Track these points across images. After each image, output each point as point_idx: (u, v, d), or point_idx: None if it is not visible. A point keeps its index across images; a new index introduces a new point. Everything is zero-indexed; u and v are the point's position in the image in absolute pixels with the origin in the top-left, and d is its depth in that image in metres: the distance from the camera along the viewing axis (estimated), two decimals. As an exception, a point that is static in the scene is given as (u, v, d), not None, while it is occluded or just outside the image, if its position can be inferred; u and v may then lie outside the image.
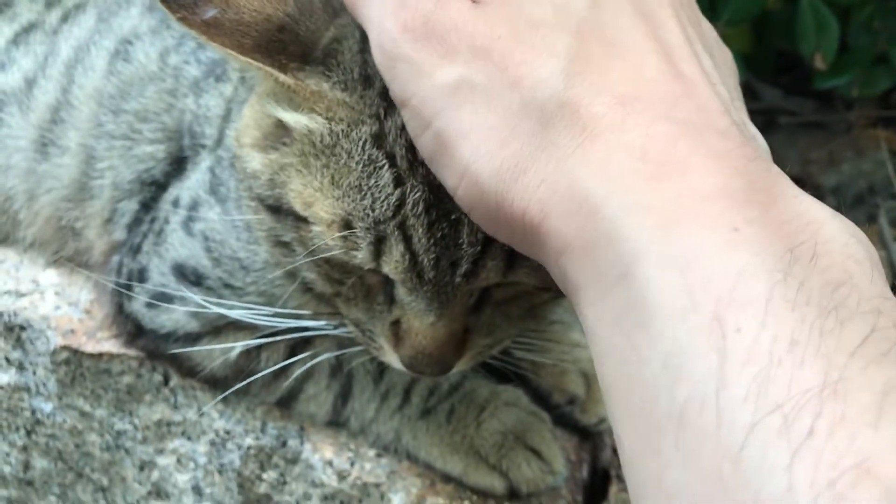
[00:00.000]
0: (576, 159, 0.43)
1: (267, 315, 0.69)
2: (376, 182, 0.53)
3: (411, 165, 0.52)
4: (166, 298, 0.77)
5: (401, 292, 0.57)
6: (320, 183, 0.54)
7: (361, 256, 0.54)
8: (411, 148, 0.52)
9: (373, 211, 0.53)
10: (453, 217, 0.53)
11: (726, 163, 0.41)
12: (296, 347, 0.76)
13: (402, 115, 0.50)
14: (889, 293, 0.38)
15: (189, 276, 0.75)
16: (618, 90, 0.44)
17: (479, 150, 0.46)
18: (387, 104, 0.53)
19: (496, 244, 0.52)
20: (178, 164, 0.80)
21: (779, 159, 1.29)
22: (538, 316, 0.64)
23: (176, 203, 0.78)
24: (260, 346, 0.76)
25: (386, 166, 0.53)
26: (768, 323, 0.36)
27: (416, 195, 0.52)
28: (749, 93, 1.34)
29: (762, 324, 0.36)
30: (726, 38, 1.17)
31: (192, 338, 0.77)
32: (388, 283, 0.58)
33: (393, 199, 0.53)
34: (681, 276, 0.38)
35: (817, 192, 1.24)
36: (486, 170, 0.46)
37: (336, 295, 0.61)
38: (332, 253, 0.55)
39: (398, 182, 0.53)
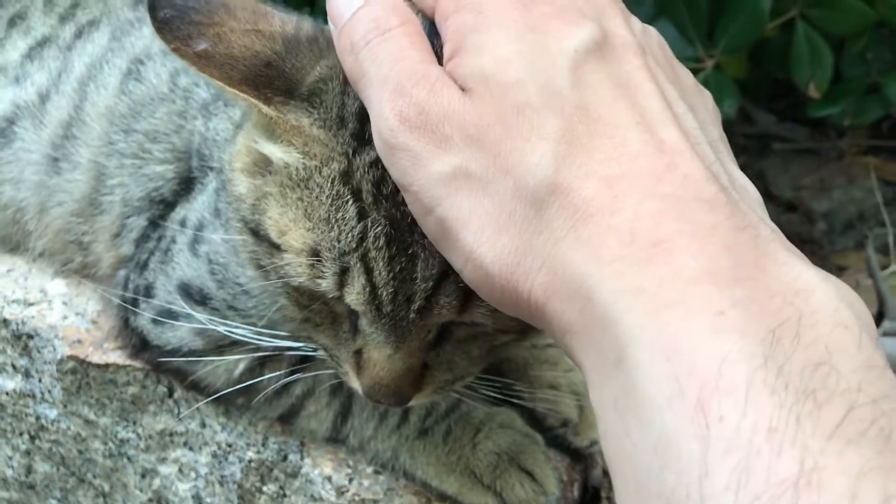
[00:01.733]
0: (570, 242, 0.45)
1: (267, 337, 0.71)
2: (342, 215, 0.55)
3: (375, 200, 0.55)
4: (172, 316, 0.79)
5: (363, 323, 0.59)
6: (294, 214, 0.57)
7: (326, 285, 0.56)
8: (377, 184, 0.54)
9: (339, 242, 0.55)
10: (410, 252, 0.55)
11: (713, 238, 0.43)
12: (298, 366, 0.78)
13: (405, 198, 0.52)
14: (877, 358, 0.39)
15: (195, 295, 0.78)
16: (604, 171, 0.46)
17: (480, 237, 0.48)
18: (357, 144, 0.55)
19: (450, 282, 0.54)
20: (186, 184, 0.82)
21: (772, 184, 1.30)
22: (501, 356, 0.66)
23: (183, 223, 0.80)
24: (263, 364, 0.78)
25: (351, 201, 0.55)
26: (748, 411, 0.37)
27: (378, 229, 0.54)
28: (744, 117, 1.37)
29: (743, 412, 0.37)
30: (723, 65, 1.19)
31: (197, 355, 0.79)
32: (353, 312, 0.60)
33: (356, 231, 0.55)
34: (668, 363, 0.40)
35: (809, 217, 1.27)
36: (488, 255, 0.48)
37: (306, 321, 0.63)
38: (300, 280, 0.57)
39: (361, 215, 0.55)
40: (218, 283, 0.76)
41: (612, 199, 0.45)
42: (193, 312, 0.75)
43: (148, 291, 0.81)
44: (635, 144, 0.47)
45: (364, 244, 0.55)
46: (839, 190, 1.28)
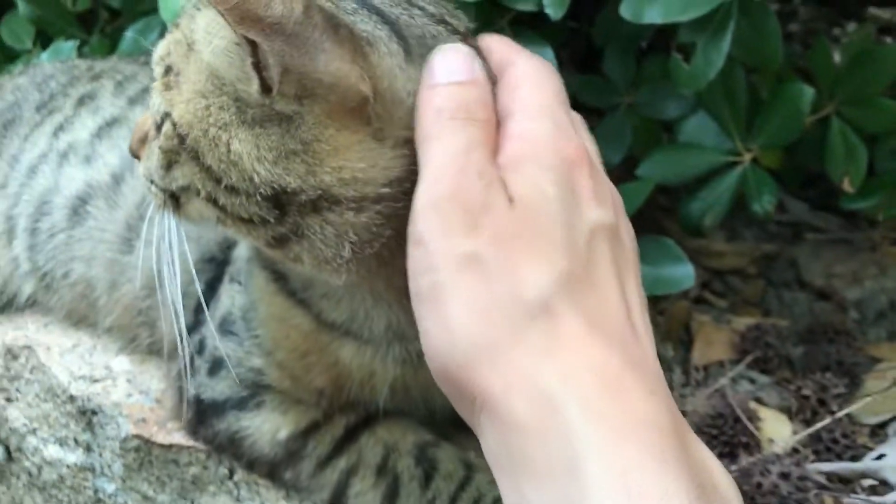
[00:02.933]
0: (546, 359, 0.54)
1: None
2: None
3: None
4: (219, 364, 0.84)
5: None
6: None
7: None
8: None
9: None
10: None
11: (659, 404, 0.54)
12: (342, 440, 0.81)
13: (414, 250, 0.59)
14: None
15: (227, 326, 0.82)
16: (589, 315, 0.56)
17: (467, 315, 0.55)
18: None
19: None
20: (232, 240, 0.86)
21: (804, 271, 1.33)
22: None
23: (231, 262, 0.85)
24: (307, 434, 0.82)
25: None
26: None
27: None
28: (778, 205, 1.40)
29: None
30: (758, 157, 1.22)
31: (242, 402, 0.83)
32: None
33: None
34: (620, 481, 0.49)
35: (841, 306, 1.30)
36: (465, 333, 0.55)
37: None
38: None
39: None
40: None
41: (590, 340, 0.55)
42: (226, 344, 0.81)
43: (200, 345, 0.85)
44: (616, 311, 0.58)
45: None
46: (871, 280, 1.31)
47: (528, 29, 1.22)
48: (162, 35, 1.45)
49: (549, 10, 1.10)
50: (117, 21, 1.55)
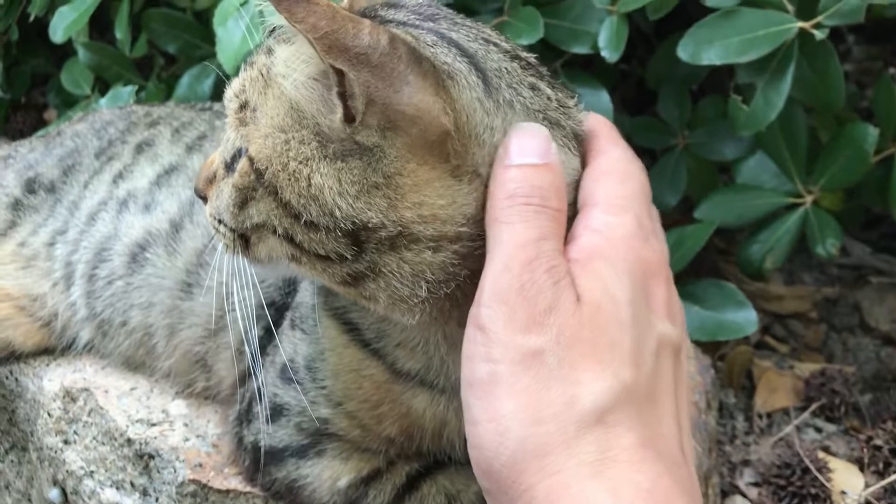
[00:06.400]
0: (593, 472, 0.53)
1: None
2: None
3: None
4: (279, 411, 0.83)
5: None
6: None
7: None
8: None
9: None
10: None
11: None
12: (404, 489, 0.79)
13: (469, 331, 0.58)
14: None
15: (289, 371, 0.81)
16: (644, 432, 0.55)
17: (519, 413, 0.55)
18: None
19: None
20: (292, 284, 0.86)
21: (868, 315, 1.28)
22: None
23: (293, 308, 0.84)
24: (368, 482, 0.80)
25: None
26: None
27: None
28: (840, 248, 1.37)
29: None
30: (818, 199, 1.20)
31: (303, 451, 0.81)
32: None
33: None
34: None
35: (906, 350, 1.25)
36: (515, 431, 0.55)
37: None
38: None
39: None
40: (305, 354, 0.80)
41: (641, 459, 0.54)
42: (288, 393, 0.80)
43: (258, 392, 0.84)
44: (670, 431, 0.58)
45: None
46: (938, 324, 1.27)
47: (581, 71, 1.21)
48: (217, 81, 1.48)
49: (605, 53, 1.10)
50: (173, 67, 1.58)
